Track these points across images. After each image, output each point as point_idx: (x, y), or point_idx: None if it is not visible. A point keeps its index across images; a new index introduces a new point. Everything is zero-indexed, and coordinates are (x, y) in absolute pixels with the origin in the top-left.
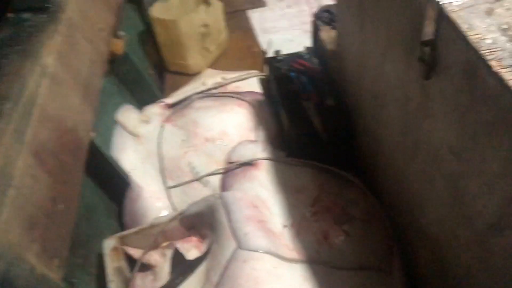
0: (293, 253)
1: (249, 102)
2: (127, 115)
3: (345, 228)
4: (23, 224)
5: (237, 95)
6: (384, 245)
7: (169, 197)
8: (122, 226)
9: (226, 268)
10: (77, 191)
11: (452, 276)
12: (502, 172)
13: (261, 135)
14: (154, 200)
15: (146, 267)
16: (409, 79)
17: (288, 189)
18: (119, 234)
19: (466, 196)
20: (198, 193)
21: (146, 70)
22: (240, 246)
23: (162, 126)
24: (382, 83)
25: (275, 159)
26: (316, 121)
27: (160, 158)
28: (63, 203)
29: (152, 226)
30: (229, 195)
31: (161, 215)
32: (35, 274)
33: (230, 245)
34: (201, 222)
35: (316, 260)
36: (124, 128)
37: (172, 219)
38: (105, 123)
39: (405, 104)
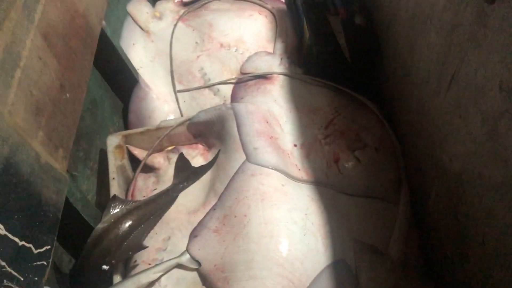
0: (302, 173)
1: (270, 10)
2: (139, 8)
3: (356, 155)
4: (30, 108)
5: (258, 0)
6: (393, 175)
7: (177, 101)
8: (127, 125)
9: (232, 179)
10: (85, 81)
11: (465, 214)
12: None
13: (279, 47)
14: (161, 102)
15: (148, 169)
16: (464, 1)
17: (302, 108)
18: (124, 132)
19: (504, 137)
20: (208, 100)
21: None
22: (249, 159)
23: (175, 25)
24: (426, 3)
25: (292, 75)
26: (341, 40)
27: (171, 59)
28: (70, 92)
29: (159, 128)
30: (242, 107)
31: (167, 118)
32: (40, 162)
33: (238, 158)
34: (210, 131)
35: (324, 182)
36: (135, 21)
37: (180, 123)
38: (116, 14)
39: (451, 30)
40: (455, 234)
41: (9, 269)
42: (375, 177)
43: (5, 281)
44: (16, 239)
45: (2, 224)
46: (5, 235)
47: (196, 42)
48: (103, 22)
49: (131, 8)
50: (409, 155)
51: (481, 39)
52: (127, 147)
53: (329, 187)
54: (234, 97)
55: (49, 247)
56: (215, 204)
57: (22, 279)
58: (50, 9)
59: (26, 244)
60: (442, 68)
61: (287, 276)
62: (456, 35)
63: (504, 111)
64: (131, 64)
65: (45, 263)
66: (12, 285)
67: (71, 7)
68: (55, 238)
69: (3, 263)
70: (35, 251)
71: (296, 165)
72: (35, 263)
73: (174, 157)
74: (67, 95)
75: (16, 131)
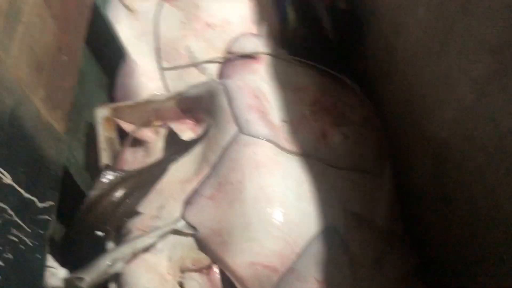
0: (292, 146)
1: None
2: None
3: (343, 130)
4: (31, 64)
5: None
6: (377, 150)
7: (162, 79)
8: (112, 101)
9: (225, 149)
10: (80, 45)
11: (451, 178)
12: None
13: (264, 30)
14: (147, 80)
15: (137, 143)
16: None
17: (289, 86)
18: (112, 105)
19: (494, 98)
20: (195, 79)
21: None
22: (241, 130)
23: (160, 5)
24: None
25: (276, 56)
26: (326, 23)
27: (156, 36)
28: (67, 54)
29: (147, 102)
30: (232, 82)
31: None
32: (41, 119)
33: (230, 129)
34: (199, 105)
35: (314, 156)
36: (120, 0)
37: (170, 98)
38: None
39: (441, 3)
40: (441, 200)
41: (16, 218)
42: (360, 151)
43: (13, 229)
44: (22, 191)
45: (9, 174)
46: (11, 185)
47: (182, 22)
48: None
49: None
50: (395, 131)
51: (472, 7)
52: (115, 120)
53: (318, 160)
54: (221, 76)
55: (52, 203)
56: (209, 173)
57: (29, 230)
58: None
59: (31, 197)
60: (430, 42)
61: (284, 238)
62: (446, 7)
63: (494, 73)
64: (119, 39)
65: (49, 218)
66: (20, 235)
67: None
68: (58, 195)
69: (11, 212)
70: (39, 205)
71: (286, 138)
72: (39, 216)
73: (163, 131)
74: (64, 57)
75: (19, 84)
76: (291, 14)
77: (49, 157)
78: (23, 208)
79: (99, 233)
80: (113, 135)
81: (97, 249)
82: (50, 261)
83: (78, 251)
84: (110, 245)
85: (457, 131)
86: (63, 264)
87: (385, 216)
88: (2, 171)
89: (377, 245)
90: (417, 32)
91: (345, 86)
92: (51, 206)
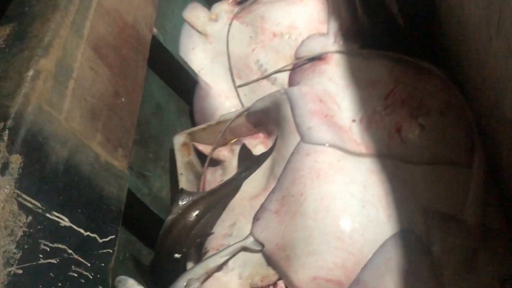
0: (360, 147)
1: None
2: (195, 13)
3: (420, 121)
4: (86, 114)
5: None
6: (463, 138)
7: (238, 96)
8: (194, 125)
9: (288, 161)
10: (140, 86)
11: None
12: None
13: (332, 26)
14: (223, 100)
15: (216, 163)
16: None
17: (360, 83)
18: (188, 130)
19: None
20: (267, 91)
21: None
22: (303, 139)
23: (230, 24)
24: None
25: (346, 52)
26: (393, 7)
27: (228, 56)
28: (125, 96)
29: (219, 122)
30: (295, 89)
31: None
32: (100, 161)
33: (294, 140)
34: (267, 118)
35: (386, 154)
36: (193, 27)
37: (239, 115)
38: (172, 21)
39: None
40: None
41: (75, 256)
42: (442, 142)
43: (72, 266)
44: (81, 230)
45: (67, 217)
46: (70, 226)
47: (250, 36)
48: (154, 30)
49: (187, 14)
50: (477, 114)
51: None
52: (193, 144)
53: (391, 158)
54: (291, 83)
55: (114, 236)
56: (274, 187)
57: (89, 265)
58: (98, 23)
59: (91, 234)
60: (490, 12)
61: (347, 249)
62: None
63: None
64: (189, 66)
65: (111, 251)
66: (80, 270)
67: (118, 20)
68: (119, 228)
69: (70, 251)
70: (100, 240)
71: (355, 140)
72: (100, 251)
73: (238, 149)
74: (123, 99)
75: (74, 134)
76: (358, 5)
77: (109, 195)
78: (84, 246)
79: (177, 255)
80: (192, 158)
81: (178, 270)
82: (136, 285)
83: (161, 273)
84: (189, 265)
85: None
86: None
87: (475, 211)
88: (60, 215)
89: (466, 244)
90: (477, 2)
91: (424, 72)
92: (111, 239)
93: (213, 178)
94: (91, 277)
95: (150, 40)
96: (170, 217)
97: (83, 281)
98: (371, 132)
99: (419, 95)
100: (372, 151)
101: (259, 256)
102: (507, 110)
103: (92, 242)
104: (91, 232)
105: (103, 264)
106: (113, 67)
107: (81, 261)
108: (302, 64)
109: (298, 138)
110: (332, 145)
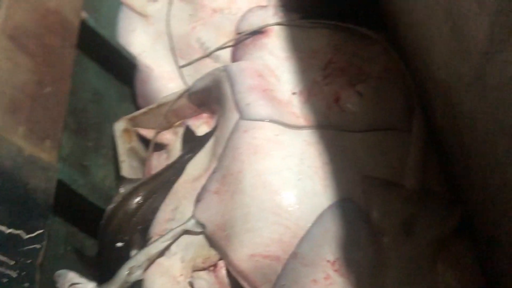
0: (300, 120)
1: None
2: None
3: (358, 89)
4: (5, 107)
5: None
6: (402, 102)
7: (181, 77)
8: (138, 109)
9: (228, 139)
10: (68, 73)
11: (458, 123)
12: None
13: None
14: (167, 81)
15: (160, 147)
16: None
17: (300, 54)
18: (128, 116)
19: (459, 21)
20: (211, 69)
21: None
22: (242, 116)
23: (170, 3)
24: None
25: (286, 23)
26: None
27: (170, 37)
28: (51, 85)
29: (160, 105)
30: (233, 66)
31: None
32: (23, 155)
33: (234, 117)
34: (209, 97)
35: (325, 124)
36: (131, 8)
37: (179, 96)
38: (107, 4)
39: None
40: (459, 150)
41: None
42: (381, 108)
43: None
44: (3, 228)
45: None
46: None
47: (190, 14)
48: (84, 14)
49: None
50: (414, 78)
51: None
52: (135, 129)
53: (330, 128)
54: (234, 60)
55: (42, 231)
56: (215, 167)
57: (12, 263)
58: (15, 11)
59: (15, 231)
60: None
61: (283, 223)
62: None
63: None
64: (126, 50)
65: (38, 246)
66: (2, 269)
67: (39, 6)
68: (47, 222)
69: None
70: (26, 236)
71: (294, 113)
72: (26, 248)
73: (182, 131)
74: (47, 89)
75: None
76: None
77: (35, 188)
78: (6, 243)
79: (119, 244)
80: (134, 144)
81: (123, 259)
82: (77, 277)
83: (107, 264)
84: (133, 253)
85: (449, 70)
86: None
87: (415, 174)
88: None
89: (405, 208)
90: None
91: (364, 39)
92: (39, 234)
93: (159, 163)
94: (14, 276)
95: (78, 25)
96: (111, 206)
97: (6, 280)
98: (311, 104)
99: (358, 62)
100: (311, 122)
101: (201, 238)
102: (435, 70)
103: (16, 239)
104: (15, 229)
105: (29, 261)
106: (35, 56)
107: (3, 260)
108: (244, 39)
109: (236, 115)
110: (271, 120)
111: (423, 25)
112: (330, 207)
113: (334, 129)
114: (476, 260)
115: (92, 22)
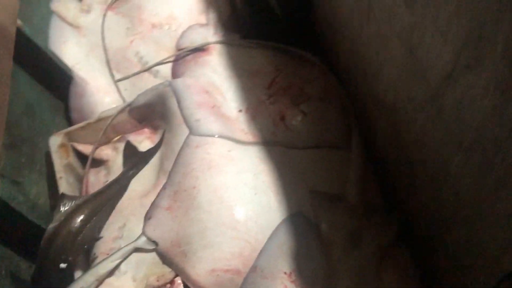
0: (248, 136)
1: None
2: (64, 4)
3: (302, 108)
4: None
5: None
6: (342, 122)
7: (118, 91)
8: (72, 124)
9: (178, 155)
10: (6, 84)
11: (406, 142)
12: (456, 11)
13: (212, 17)
14: (102, 95)
15: (98, 163)
16: None
17: (243, 73)
18: (65, 130)
19: (420, 50)
20: (149, 84)
21: None
22: (192, 132)
23: (104, 15)
24: None
25: (228, 42)
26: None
27: (105, 49)
28: None
29: (99, 119)
30: (179, 82)
31: None
32: None
33: (182, 132)
34: (152, 112)
35: (272, 141)
36: (63, 19)
37: (120, 111)
38: (39, 13)
39: None
40: (405, 165)
41: None
42: (323, 126)
43: None
44: None
45: None
46: None
47: (127, 28)
48: (19, 22)
49: (56, 5)
50: (354, 99)
51: None
52: (71, 144)
53: (278, 144)
54: (174, 75)
55: None
56: (165, 183)
57: None
58: None
59: None
60: (359, 1)
61: (243, 237)
62: None
63: (412, 24)
64: (61, 61)
65: None
66: None
67: None
68: None
69: None
70: None
71: (242, 129)
72: None
73: (122, 146)
74: None
75: None
76: None
77: None
78: None
79: (63, 265)
80: (71, 159)
81: (65, 280)
82: None
83: (49, 286)
84: (78, 274)
85: (399, 93)
86: None
87: (357, 189)
88: None
89: (351, 221)
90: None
91: (303, 61)
92: None
93: (97, 180)
94: None
95: (14, 33)
96: (52, 225)
97: None
98: (257, 121)
99: (299, 83)
100: (260, 139)
101: (153, 255)
102: (380, 92)
103: None
104: None
105: None
106: None
107: None
108: (184, 56)
109: (186, 131)
110: (221, 136)
111: (370, 51)
112: (283, 221)
113: (282, 146)
114: (417, 266)
115: (28, 31)
